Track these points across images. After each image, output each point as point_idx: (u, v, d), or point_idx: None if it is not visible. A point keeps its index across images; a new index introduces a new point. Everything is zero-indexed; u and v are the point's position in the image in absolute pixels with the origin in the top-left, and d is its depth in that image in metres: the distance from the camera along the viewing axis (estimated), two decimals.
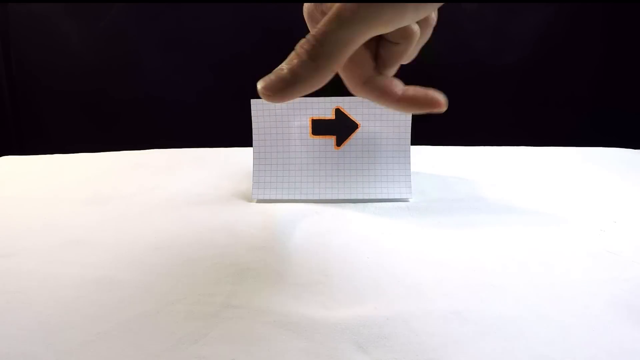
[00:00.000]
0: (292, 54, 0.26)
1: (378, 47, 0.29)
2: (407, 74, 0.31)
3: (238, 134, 0.77)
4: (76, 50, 1.03)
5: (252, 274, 0.39)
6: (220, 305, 0.34)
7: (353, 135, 0.57)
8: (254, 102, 0.57)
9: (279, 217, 0.51)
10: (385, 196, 0.56)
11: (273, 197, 0.57)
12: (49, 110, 1.09)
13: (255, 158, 0.58)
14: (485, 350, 0.29)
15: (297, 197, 0.57)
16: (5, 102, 1.06)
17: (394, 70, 0.30)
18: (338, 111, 0.56)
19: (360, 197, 0.56)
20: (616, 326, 0.32)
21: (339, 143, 0.57)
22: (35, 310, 0.34)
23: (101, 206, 0.55)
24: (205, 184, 0.63)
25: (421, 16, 0.25)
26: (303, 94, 0.26)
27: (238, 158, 0.77)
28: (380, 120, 0.56)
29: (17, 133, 1.10)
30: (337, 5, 0.24)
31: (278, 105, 0.57)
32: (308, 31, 0.25)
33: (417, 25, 0.27)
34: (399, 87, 0.29)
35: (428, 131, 0.73)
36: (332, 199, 0.57)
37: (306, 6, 0.28)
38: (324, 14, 0.26)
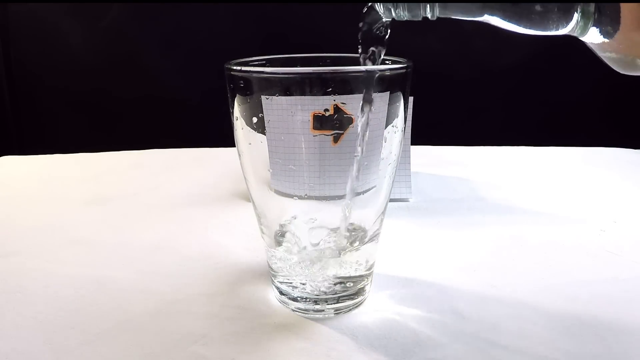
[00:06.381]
0: None
1: None
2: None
3: None
4: (76, 50, 1.04)
5: (252, 274, 0.39)
6: (220, 305, 0.34)
7: (348, 131, 0.56)
8: None
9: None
10: None
11: None
12: (49, 110, 1.09)
13: None
14: (485, 350, 0.29)
15: (297, 195, 0.57)
16: (5, 102, 1.06)
17: None
18: (336, 108, 0.56)
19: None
20: (616, 326, 0.32)
21: (336, 139, 0.57)
22: (35, 310, 0.34)
23: (101, 206, 0.55)
24: (205, 184, 0.63)
25: None
26: None
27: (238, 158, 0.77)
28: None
29: (17, 133, 1.10)
30: None
31: (278, 104, 0.57)
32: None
33: None
34: None
35: (428, 131, 0.73)
36: (331, 196, 0.56)
37: None
38: None
